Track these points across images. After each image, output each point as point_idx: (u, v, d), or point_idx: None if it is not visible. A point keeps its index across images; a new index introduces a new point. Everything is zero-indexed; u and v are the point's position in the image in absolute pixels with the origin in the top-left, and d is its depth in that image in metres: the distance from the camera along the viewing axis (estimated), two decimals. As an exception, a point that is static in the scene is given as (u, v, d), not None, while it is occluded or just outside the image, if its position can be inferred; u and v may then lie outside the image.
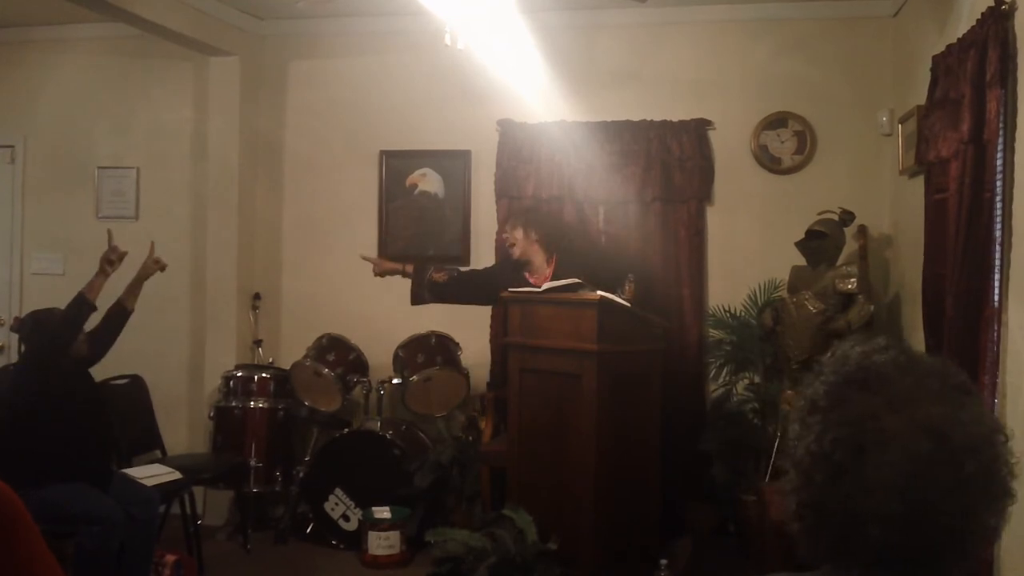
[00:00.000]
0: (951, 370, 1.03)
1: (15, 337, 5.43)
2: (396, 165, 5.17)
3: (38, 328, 3.71)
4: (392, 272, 4.56)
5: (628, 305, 3.98)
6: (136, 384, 4.76)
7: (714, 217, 4.90)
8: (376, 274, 4.59)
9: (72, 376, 3.77)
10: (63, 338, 3.63)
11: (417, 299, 4.51)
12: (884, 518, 0.96)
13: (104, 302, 3.90)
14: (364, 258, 4.65)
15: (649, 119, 4.86)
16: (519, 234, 4.37)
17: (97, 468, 3.65)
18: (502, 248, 4.91)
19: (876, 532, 0.97)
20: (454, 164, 5.12)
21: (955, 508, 0.95)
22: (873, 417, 0.98)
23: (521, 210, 4.60)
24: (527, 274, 4.39)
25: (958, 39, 3.26)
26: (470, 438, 4.79)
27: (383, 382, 4.81)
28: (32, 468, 3.37)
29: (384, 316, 5.09)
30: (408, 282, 4.55)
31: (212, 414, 4.85)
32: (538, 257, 4.37)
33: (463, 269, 4.71)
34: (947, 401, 0.98)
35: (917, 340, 3.78)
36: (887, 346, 1.04)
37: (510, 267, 4.47)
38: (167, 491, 4.01)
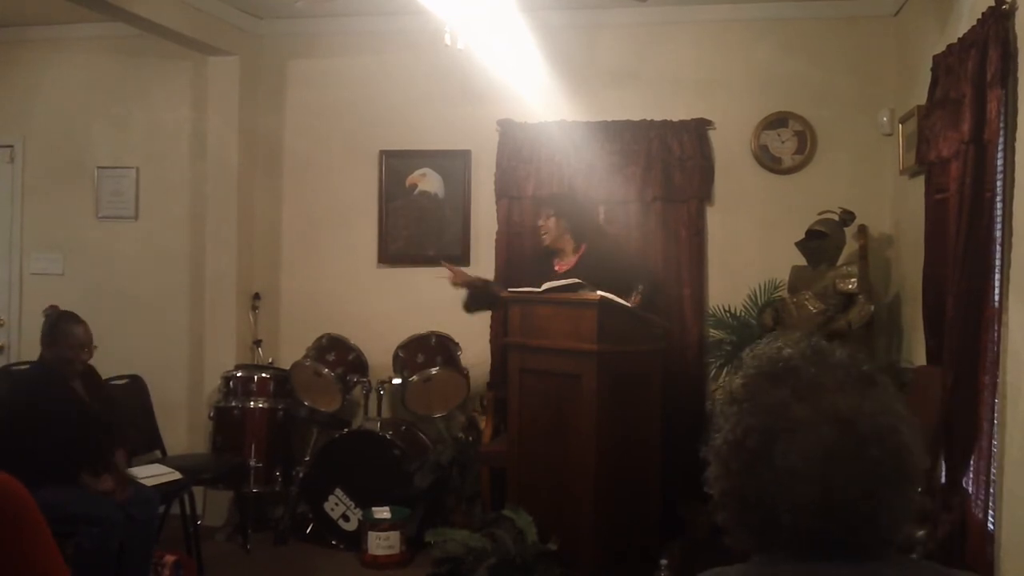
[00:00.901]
0: (858, 361, 1.07)
1: (15, 337, 5.48)
2: (396, 165, 5.16)
3: (50, 338, 3.70)
4: (470, 284, 4.50)
5: (628, 305, 3.98)
6: (136, 384, 4.77)
7: (714, 217, 4.90)
8: (453, 283, 4.50)
9: (80, 383, 3.78)
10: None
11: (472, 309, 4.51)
12: (796, 504, 1.00)
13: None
14: (445, 265, 4.57)
15: (649, 119, 4.86)
16: (551, 222, 4.36)
17: (98, 469, 3.63)
18: (508, 243, 4.92)
19: (789, 518, 1.01)
20: (454, 164, 5.11)
21: (862, 493, 1.00)
22: (783, 406, 1.03)
23: (554, 197, 4.56)
24: (555, 260, 4.40)
25: (959, 39, 3.26)
26: (470, 438, 4.78)
27: (383, 382, 4.81)
28: (33, 468, 3.37)
29: (384, 316, 5.09)
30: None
31: (212, 414, 4.84)
32: (568, 245, 4.38)
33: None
34: (853, 391, 1.03)
35: (917, 340, 3.78)
36: (799, 340, 1.10)
37: (541, 254, 4.51)
38: (167, 491, 4.00)
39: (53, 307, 3.90)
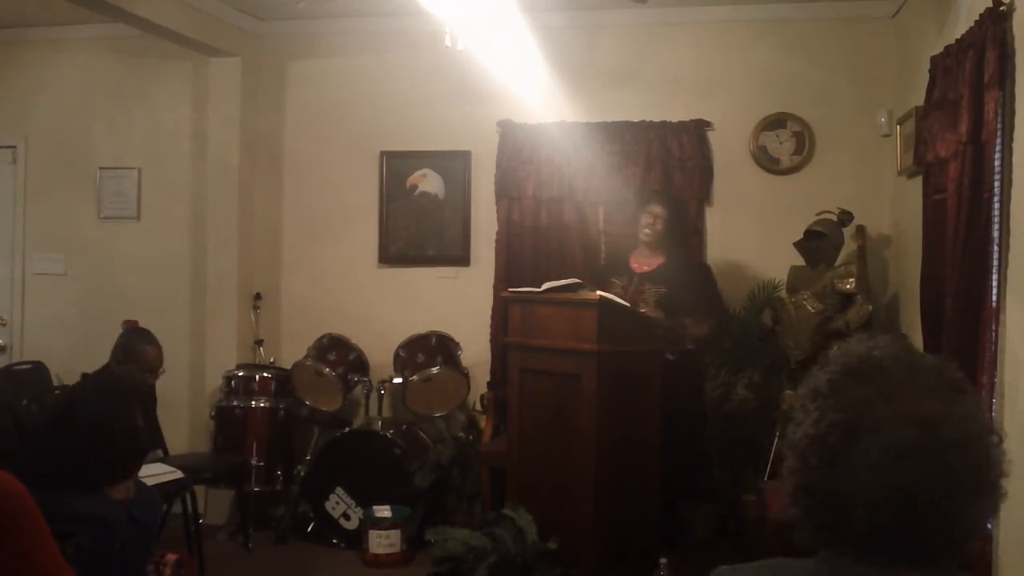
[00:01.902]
0: (949, 368, 1.06)
1: (17, 337, 5.49)
2: (396, 165, 5.17)
3: (123, 356, 3.72)
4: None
5: (628, 305, 4.00)
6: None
7: (713, 217, 4.91)
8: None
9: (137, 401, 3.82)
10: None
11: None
12: (871, 502, 1.00)
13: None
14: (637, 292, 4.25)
15: (649, 120, 4.87)
16: (660, 222, 4.29)
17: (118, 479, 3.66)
18: (503, 247, 4.93)
19: (863, 515, 1.01)
20: (454, 165, 5.12)
21: (938, 497, 0.99)
22: (867, 405, 1.02)
23: (666, 196, 4.51)
24: (631, 256, 4.37)
25: (957, 40, 3.27)
26: (470, 438, 4.80)
27: (384, 382, 4.82)
28: (63, 474, 3.39)
29: (385, 316, 5.11)
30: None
31: (213, 414, 4.86)
32: (658, 246, 4.31)
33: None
34: (940, 397, 1.03)
35: (916, 340, 3.79)
36: (890, 342, 1.09)
37: (614, 254, 4.57)
38: (168, 491, 4.02)
39: (132, 322, 3.90)
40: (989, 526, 2.99)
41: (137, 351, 3.74)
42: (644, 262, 4.33)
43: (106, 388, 3.72)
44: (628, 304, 4.07)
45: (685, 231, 4.58)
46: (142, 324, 5.25)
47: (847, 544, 1.03)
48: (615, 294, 4.08)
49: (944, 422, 1.00)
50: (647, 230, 4.31)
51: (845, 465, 1.01)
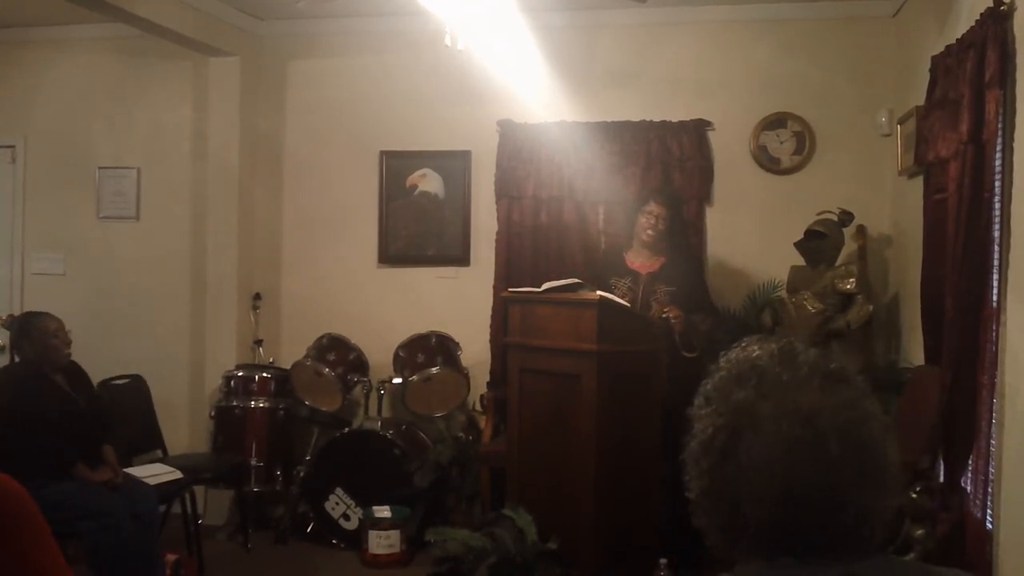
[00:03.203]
0: (827, 360, 1.09)
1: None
2: (396, 165, 5.17)
3: (21, 334, 3.72)
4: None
5: (628, 305, 3.99)
6: (137, 384, 4.77)
7: (713, 217, 4.91)
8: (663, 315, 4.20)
9: (64, 379, 3.79)
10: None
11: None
12: (757, 497, 1.03)
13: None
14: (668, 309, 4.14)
15: (649, 119, 4.87)
16: (664, 222, 4.28)
17: (85, 459, 3.64)
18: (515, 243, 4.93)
19: (750, 510, 1.03)
20: (454, 164, 5.12)
21: (823, 486, 1.01)
22: (748, 404, 1.06)
23: (670, 197, 4.48)
24: (627, 256, 4.37)
25: (957, 40, 3.27)
26: (470, 438, 4.80)
27: (383, 382, 4.82)
28: (27, 466, 3.37)
29: (384, 316, 5.11)
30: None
31: (213, 414, 4.86)
32: (658, 245, 4.31)
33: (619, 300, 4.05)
34: (815, 388, 1.05)
35: (916, 340, 3.79)
36: (771, 342, 1.12)
37: (609, 253, 4.57)
38: (168, 491, 4.02)
39: (10, 315, 3.90)
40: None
41: (32, 324, 3.74)
42: (647, 262, 4.32)
43: (11, 373, 3.74)
44: (639, 306, 4.09)
45: (685, 229, 4.59)
46: (142, 323, 5.29)
47: (745, 542, 1.06)
48: (619, 295, 4.08)
49: (821, 413, 1.03)
50: (649, 231, 4.30)
51: (732, 465, 1.04)
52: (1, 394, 3.69)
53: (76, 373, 3.89)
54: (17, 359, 3.87)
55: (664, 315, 4.05)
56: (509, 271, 4.93)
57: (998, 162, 2.94)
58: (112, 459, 3.73)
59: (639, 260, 4.34)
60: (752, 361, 1.10)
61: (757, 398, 1.05)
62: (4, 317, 3.93)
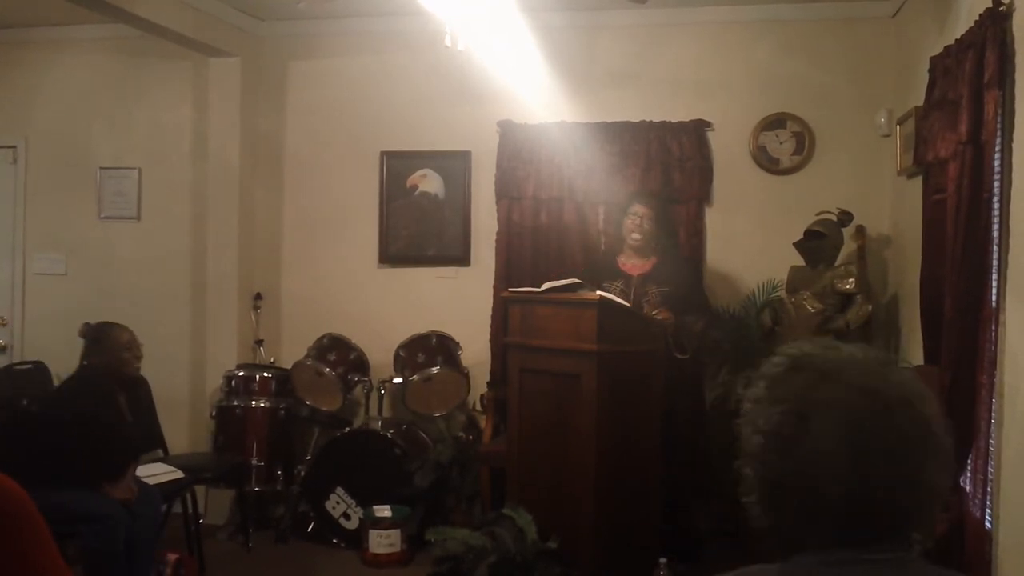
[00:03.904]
0: (874, 348, 1.14)
1: (17, 336, 5.50)
2: (396, 166, 5.18)
3: (94, 342, 3.74)
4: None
5: (628, 305, 4.00)
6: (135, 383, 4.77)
7: (713, 217, 4.91)
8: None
9: (122, 392, 3.82)
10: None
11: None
12: (838, 477, 1.04)
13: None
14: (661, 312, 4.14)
15: (649, 120, 4.88)
16: (648, 223, 4.30)
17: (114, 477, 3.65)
18: (502, 246, 4.93)
19: (833, 492, 1.04)
20: (454, 165, 5.13)
21: (899, 459, 1.04)
22: (810, 388, 1.08)
23: (652, 196, 4.50)
24: (620, 259, 4.38)
25: (956, 40, 3.27)
26: (470, 438, 4.80)
27: (384, 382, 4.83)
28: (56, 472, 3.39)
29: (385, 316, 5.11)
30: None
31: (214, 413, 4.86)
32: (647, 247, 4.33)
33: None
34: (874, 368, 1.09)
35: (915, 340, 3.79)
36: (814, 342, 1.16)
37: (603, 257, 4.59)
38: (169, 490, 4.02)
39: (86, 323, 3.91)
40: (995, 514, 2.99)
41: (107, 334, 3.76)
42: (638, 264, 4.33)
43: (88, 383, 3.72)
44: (632, 307, 4.09)
45: (673, 228, 4.59)
46: (143, 323, 5.27)
47: (819, 534, 1.06)
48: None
49: (885, 386, 1.06)
50: (635, 233, 4.32)
51: (803, 450, 1.05)
52: (56, 400, 3.75)
53: (138, 388, 3.91)
54: (83, 365, 3.85)
55: (654, 317, 4.04)
56: (509, 271, 4.94)
57: (997, 162, 2.95)
58: (132, 476, 3.73)
59: (630, 262, 4.36)
60: (803, 353, 1.12)
61: (819, 380, 1.07)
62: (81, 326, 3.94)
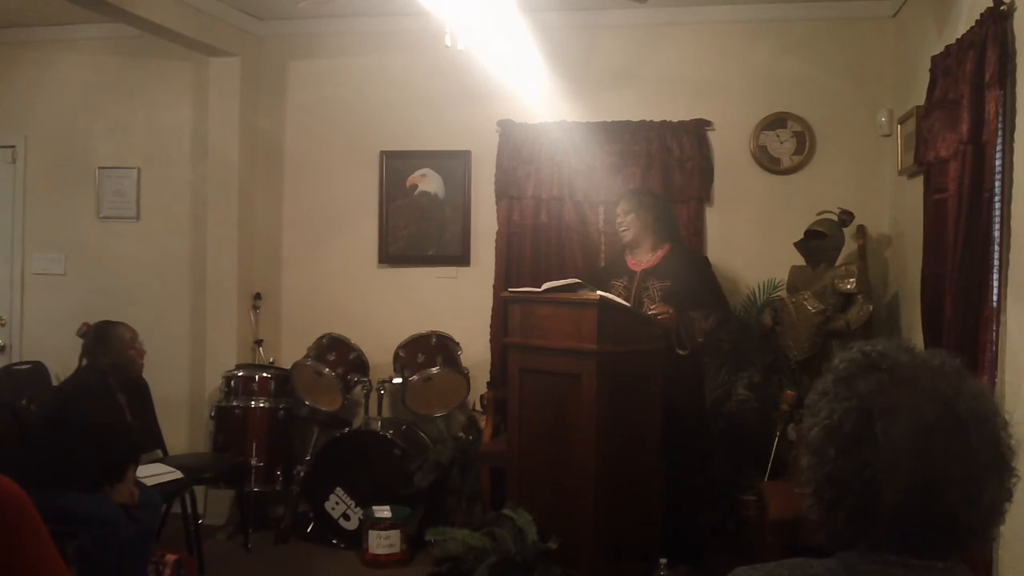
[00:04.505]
0: (949, 355, 1.09)
1: (16, 336, 5.49)
2: (396, 165, 5.18)
3: (99, 342, 3.72)
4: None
5: (628, 305, 3.99)
6: (137, 383, 4.77)
7: (713, 217, 4.91)
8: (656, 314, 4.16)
9: (123, 393, 3.80)
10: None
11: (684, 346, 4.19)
12: (898, 482, 1.00)
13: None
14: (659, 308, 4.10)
15: (649, 119, 4.87)
16: (631, 218, 4.30)
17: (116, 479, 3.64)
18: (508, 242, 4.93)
19: (891, 497, 1.01)
20: (454, 164, 5.12)
21: (963, 474, 1.00)
22: (880, 390, 1.04)
23: (633, 192, 4.47)
24: (628, 257, 4.37)
25: (957, 40, 3.27)
26: (470, 438, 4.80)
27: (383, 382, 4.82)
28: (60, 474, 3.38)
29: (385, 316, 5.11)
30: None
31: (213, 414, 4.86)
32: (647, 242, 4.31)
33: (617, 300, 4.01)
34: (949, 377, 1.05)
35: (916, 340, 3.79)
36: (888, 341, 1.12)
37: (612, 256, 4.58)
38: (168, 491, 4.01)
39: (86, 323, 3.89)
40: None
41: (112, 333, 3.74)
42: (642, 259, 4.32)
43: (91, 384, 3.71)
44: (632, 303, 4.08)
45: (672, 220, 4.48)
46: (143, 324, 5.27)
47: (871, 536, 1.03)
48: (616, 294, 4.07)
49: (959, 399, 1.02)
50: (622, 229, 4.33)
51: (867, 450, 1.02)
52: (61, 401, 3.68)
53: (139, 392, 3.90)
54: (85, 365, 3.83)
55: (651, 312, 4.03)
56: (509, 271, 4.94)
57: (998, 162, 2.94)
58: (132, 479, 3.72)
59: (635, 258, 4.35)
60: (877, 352, 1.09)
61: (891, 383, 1.04)
62: (80, 326, 3.91)
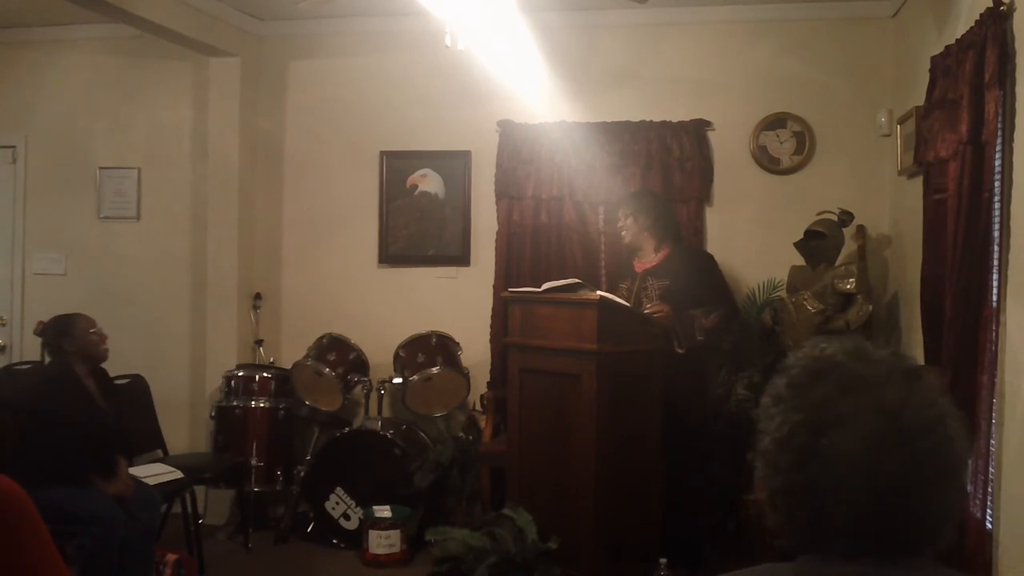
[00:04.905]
0: (901, 357, 1.08)
1: (16, 336, 5.49)
2: (396, 165, 5.18)
3: (61, 333, 3.71)
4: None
5: (627, 305, 3.99)
6: (137, 384, 4.78)
7: (713, 217, 4.91)
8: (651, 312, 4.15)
9: (91, 380, 3.79)
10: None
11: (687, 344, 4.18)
12: (847, 496, 1.01)
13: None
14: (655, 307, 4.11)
15: (649, 120, 4.87)
16: (629, 221, 4.33)
17: (103, 469, 3.64)
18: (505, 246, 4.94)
19: (841, 511, 1.01)
20: (454, 164, 5.13)
21: (911, 484, 1.01)
22: (827, 401, 1.04)
23: (632, 196, 4.49)
24: (635, 259, 4.39)
25: (957, 40, 3.27)
26: (470, 438, 4.80)
27: (384, 382, 4.82)
28: (44, 468, 3.38)
29: (385, 316, 5.11)
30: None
31: (213, 414, 4.86)
32: (648, 244, 4.33)
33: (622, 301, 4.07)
34: (897, 384, 1.04)
35: (916, 340, 3.79)
36: (842, 341, 1.11)
37: (621, 259, 4.59)
38: (168, 490, 4.02)
39: (41, 321, 3.89)
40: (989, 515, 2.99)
41: (68, 322, 3.73)
42: (645, 260, 4.33)
43: (58, 376, 3.70)
44: (630, 303, 4.08)
45: (673, 221, 4.48)
46: (143, 323, 5.30)
47: (829, 543, 1.04)
48: (621, 297, 4.09)
49: (905, 409, 1.02)
50: (623, 233, 4.36)
51: (816, 463, 1.02)
52: (35, 394, 3.68)
53: (104, 377, 3.89)
54: (48, 360, 3.84)
55: (647, 310, 4.03)
56: (509, 271, 4.94)
57: (998, 162, 2.95)
58: (124, 471, 3.72)
59: (639, 261, 4.36)
60: (827, 358, 1.08)
61: (838, 394, 1.04)
62: (36, 325, 3.91)
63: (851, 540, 1.03)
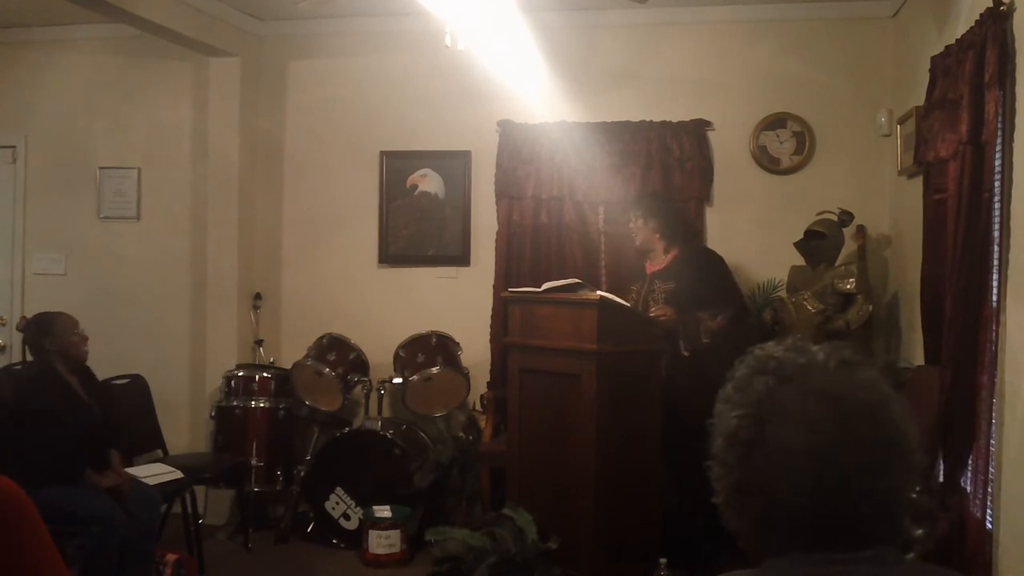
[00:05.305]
0: (842, 348, 1.10)
1: (16, 336, 5.48)
2: (396, 165, 5.18)
3: (42, 332, 3.72)
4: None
5: (627, 305, 3.99)
6: (137, 384, 4.78)
7: (713, 217, 4.91)
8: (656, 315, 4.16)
9: (77, 380, 3.78)
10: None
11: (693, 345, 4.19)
12: (791, 485, 1.02)
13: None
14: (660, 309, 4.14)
15: (649, 120, 4.87)
16: (640, 223, 4.36)
17: (100, 467, 3.65)
18: (498, 248, 4.94)
19: (787, 500, 1.02)
20: (454, 164, 5.13)
21: (854, 469, 1.01)
22: (768, 393, 1.05)
23: (641, 199, 4.50)
24: (647, 261, 4.42)
25: (957, 40, 3.28)
26: (470, 438, 4.80)
27: (384, 382, 4.82)
28: (36, 468, 3.38)
29: (385, 316, 5.11)
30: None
31: (213, 414, 4.86)
32: (659, 246, 4.37)
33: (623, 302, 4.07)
34: (836, 373, 1.05)
35: (916, 340, 3.79)
36: (783, 341, 1.13)
37: (629, 257, 4.64)
38: (168, 490, 4.02)
39: (23, 317, 3.90)
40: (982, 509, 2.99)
41: (50, 321, 3.75)
42: (655, 262, 4.37)
43: (40, 373, 3.71)
44: (636, 305, 4.09)
45: (679, 223, 4.51)
46: (143, 323, 5.29)
47: (786, 540, 1.05)
48: (630, 300, 4.11)
49: (844, 393, 1.03)
50: (633, 235, 4.39)
51: (761, 454, 1.04)
52: (18, 393, 3.68)
53: (88, 375, 3.89)
54: (31, 359, 3.85)
55: (652, 314, 4.04)
56: (509, 271, 4.94)
57: (997, 162, 2.95)
58: (118, 465, 3.72)
59: (651, 263, 4.40)
60: (768, 354, 1.10)
61: (777, 384, 1.05)
62: (19, 320, 3.92)
63: (807, 533, 1.03)
